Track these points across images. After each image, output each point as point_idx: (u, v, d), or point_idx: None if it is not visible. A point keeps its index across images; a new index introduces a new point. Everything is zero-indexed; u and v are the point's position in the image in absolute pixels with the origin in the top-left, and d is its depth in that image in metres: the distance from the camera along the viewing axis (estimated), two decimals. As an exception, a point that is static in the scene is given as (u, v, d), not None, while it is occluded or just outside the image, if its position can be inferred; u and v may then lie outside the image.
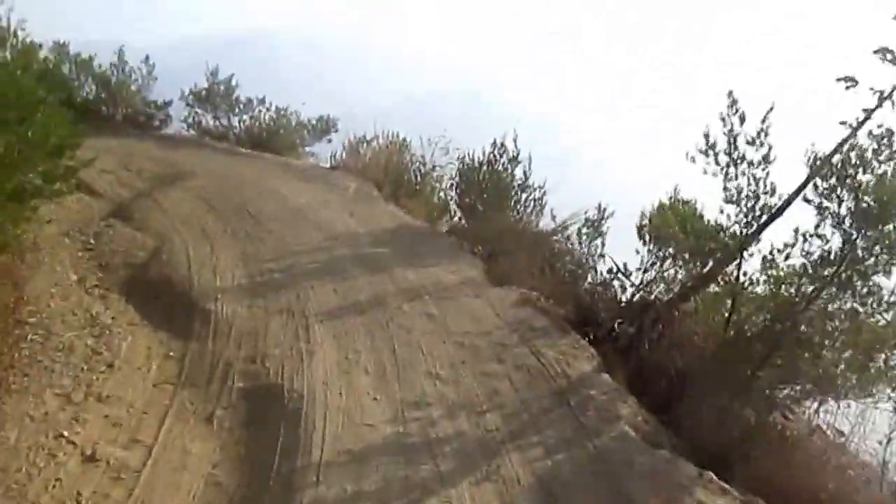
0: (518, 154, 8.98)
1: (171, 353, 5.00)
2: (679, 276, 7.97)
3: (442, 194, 11.63)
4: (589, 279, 8.10)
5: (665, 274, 8.11)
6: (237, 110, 12.75)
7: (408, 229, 8.66)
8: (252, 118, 12.75)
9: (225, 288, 5.99)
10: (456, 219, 9.46)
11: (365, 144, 11.99)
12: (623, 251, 8.63)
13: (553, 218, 9.01)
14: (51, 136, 4.45)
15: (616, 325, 6.59)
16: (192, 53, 12.61)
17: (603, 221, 8.95)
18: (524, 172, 8.98)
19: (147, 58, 11.96)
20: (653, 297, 7.10)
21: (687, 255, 6.97)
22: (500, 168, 9.02)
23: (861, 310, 5.51)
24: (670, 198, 8.31)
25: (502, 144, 9.09)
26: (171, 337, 5.23)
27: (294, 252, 7.01)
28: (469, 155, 9.32)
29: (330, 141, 13.57)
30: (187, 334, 5.27)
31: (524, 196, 9.07)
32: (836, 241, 5.62)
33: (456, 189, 9.48)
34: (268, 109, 12.85)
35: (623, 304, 7.06)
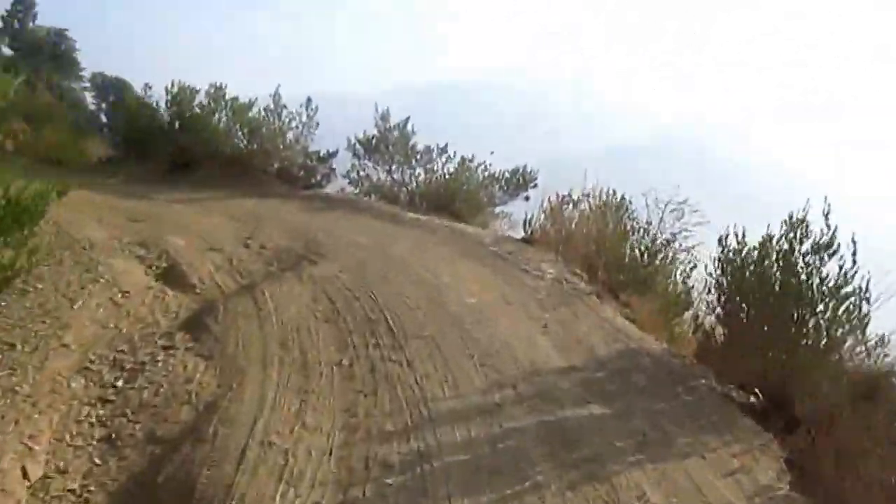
0: (832, 240, 5.24)
1: None
2: None
3: (679, 276, 8.09)
4: None
5: None
6: (413, 161, 10.31)
7: (636, 357, 5.32)
8: (429, 170, 10.22)
9: (284, 518, 3.09)
10: (713, 337, 5.83)
11: (570, 205, 8.85)
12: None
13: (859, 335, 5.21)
14: None
15: None
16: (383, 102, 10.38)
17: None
18: (842, 270, 5.20)
19: (309, 100, 9.89)
20: None
21: None
22: (799, 261, 5.33)
23: None
24: None
25: (803, 220, 5.40)
26: None
27: (434, 417, 3.99)
28: (738, 236, 5.73)
29: (527, 199, 10.67)
30: None
31: (839, 307, 5.27)
32: None
33: (716, 288, 5.84)
34: (450, 159, 10.26)
35: None
